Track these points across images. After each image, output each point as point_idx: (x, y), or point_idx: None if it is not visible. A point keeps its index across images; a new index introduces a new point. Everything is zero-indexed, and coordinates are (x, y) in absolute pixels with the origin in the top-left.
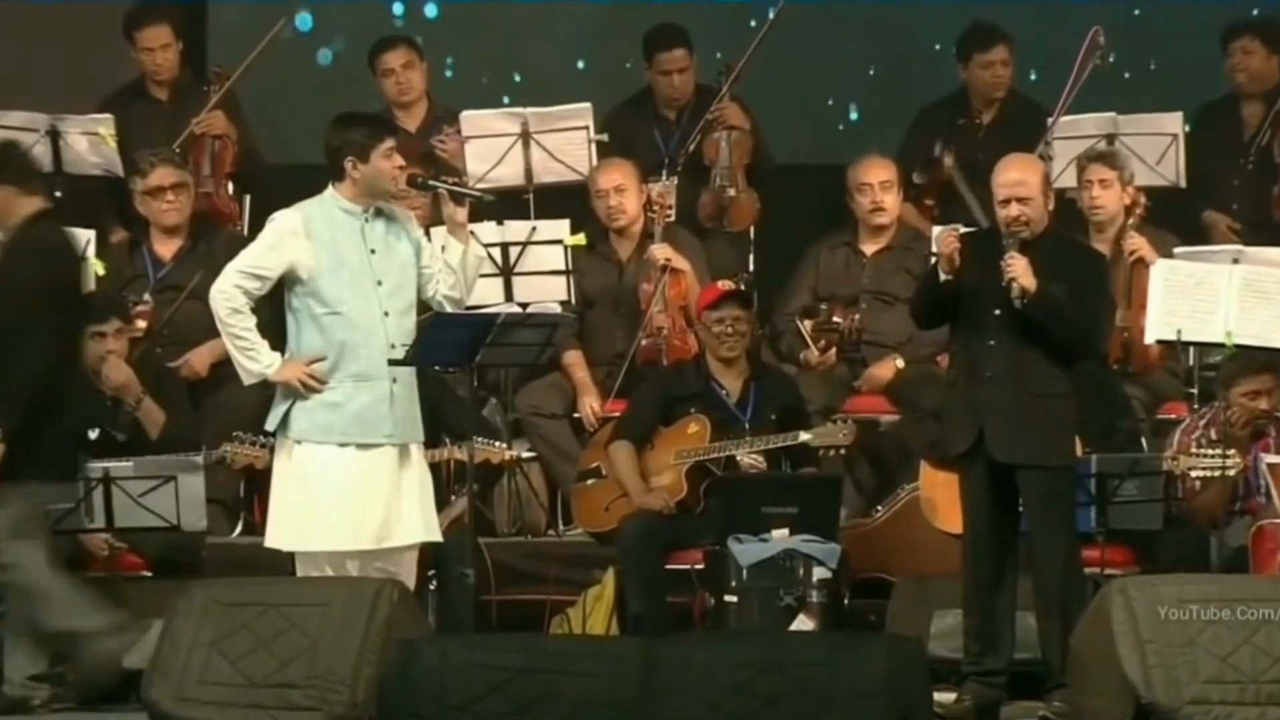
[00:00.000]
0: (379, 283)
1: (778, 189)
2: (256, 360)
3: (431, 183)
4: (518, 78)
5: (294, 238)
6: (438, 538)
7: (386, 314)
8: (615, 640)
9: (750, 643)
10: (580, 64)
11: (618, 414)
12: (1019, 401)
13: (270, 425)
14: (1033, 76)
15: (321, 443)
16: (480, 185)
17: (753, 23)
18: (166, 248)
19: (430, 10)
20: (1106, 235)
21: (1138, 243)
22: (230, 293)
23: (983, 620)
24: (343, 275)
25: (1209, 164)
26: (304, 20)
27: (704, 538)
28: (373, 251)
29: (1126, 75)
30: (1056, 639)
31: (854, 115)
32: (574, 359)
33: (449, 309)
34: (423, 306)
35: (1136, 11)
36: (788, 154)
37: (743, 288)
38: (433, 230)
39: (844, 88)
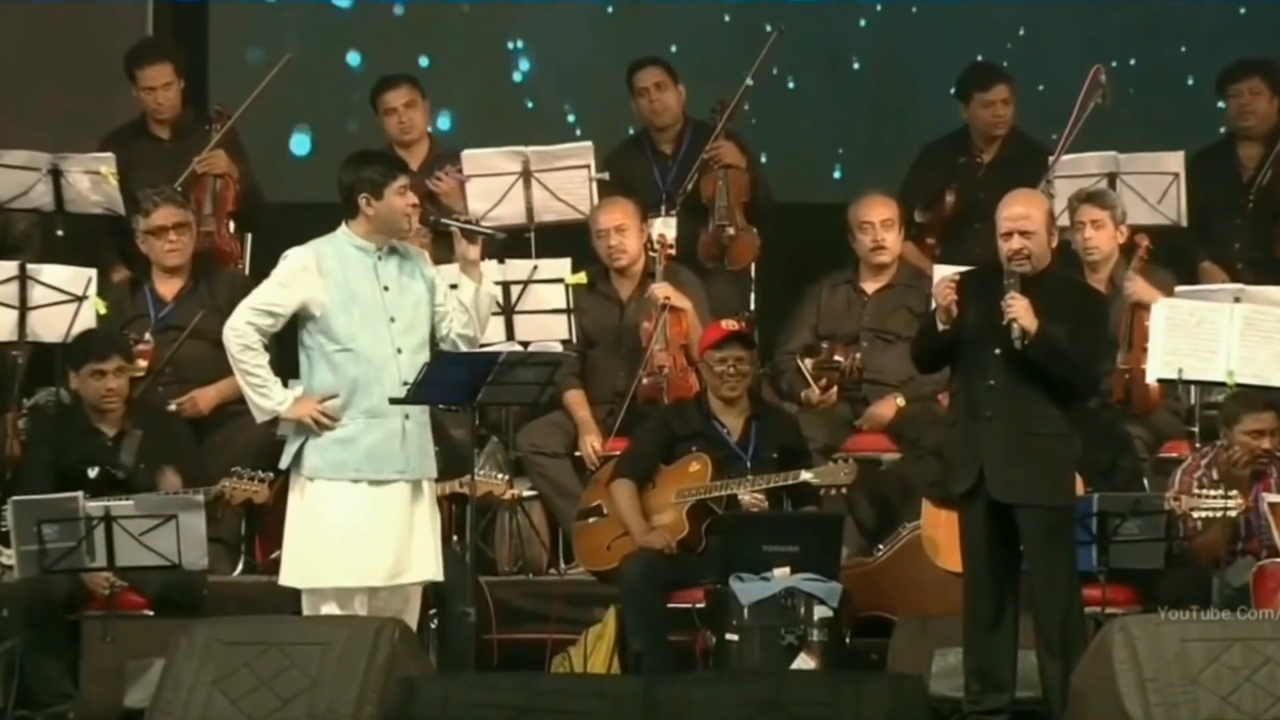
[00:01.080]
0: (392, 320)
1: (778, 227)
2: (269, 397)
3: (445, 221)
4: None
5: (306, 274)
6: (440, 577)
7: (399, 351)
8: (616, 679)
9: (752, 682)
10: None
11: (619, 453)
12: (1019, 441)
13: (284, 463)
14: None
15: (334, 479)
16: (485, 224)
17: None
18: (168, 287)
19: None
20: (1101, 275)
21: (1137, 287)
22: (243, 329)
23: (983, 659)
24: (355, 312)
25: (1207, 206)
26: (301, 143)
27: (705, 576)
28: (386, 289)
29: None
30: (1058, 678)
31: (837, 176)
32: (575, 398)
33: (463, 347)
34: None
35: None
36: (788, 192)
37: (743, 327)
38: (441, 268)
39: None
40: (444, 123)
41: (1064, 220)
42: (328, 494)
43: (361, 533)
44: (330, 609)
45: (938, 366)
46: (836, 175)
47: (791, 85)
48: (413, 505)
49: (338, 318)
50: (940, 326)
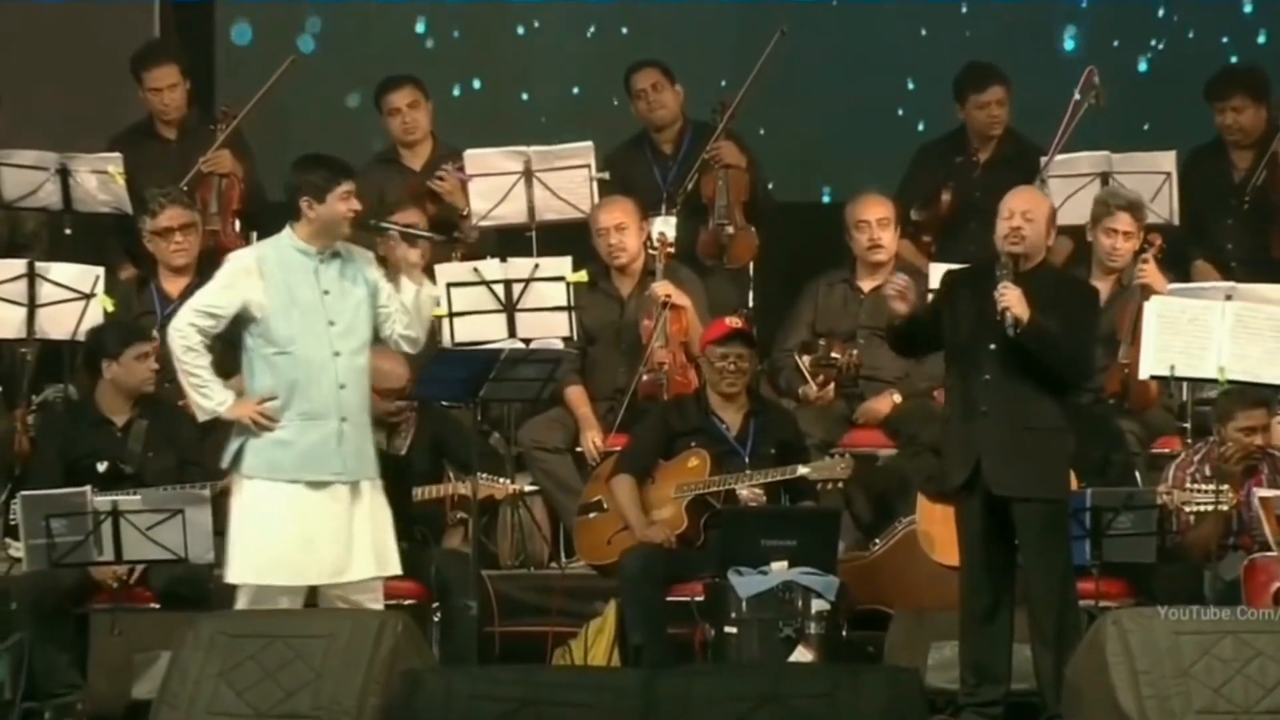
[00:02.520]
0: (331, 323)
1: (777, 226)
2: (209, 397)
3: (382, 225)
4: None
5: (247, 277)
6: (395, 571)
7: (337, 354)
8: (616, 672)
9: (750, 674)
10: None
11: (619, 448)
12: (1014, 436)
13: (224, 462)
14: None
15: (271, 479)
16: (483, 223)
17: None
18: (174, 285)
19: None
20: (1112, 275)
21: (1149, 270)
22: (185, 330)
23: (979, 652)
24: (294, 315)
25: (1199, 205)
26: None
27: (704, 570)
28: (326, 292)
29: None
30: (1051, 670)
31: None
32: (576, 395)
33: (405, 348)
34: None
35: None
36: (786, 192)
37: (746, 325)
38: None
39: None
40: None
41: (1065, 215)
42: (266, 493)
43: (299, 533)
44: (276, 604)
45: (914, 354)
46: (828, 190)
47: (792, 86)
48: (352, 505)
49: (277, 320)
50: (897, 319)
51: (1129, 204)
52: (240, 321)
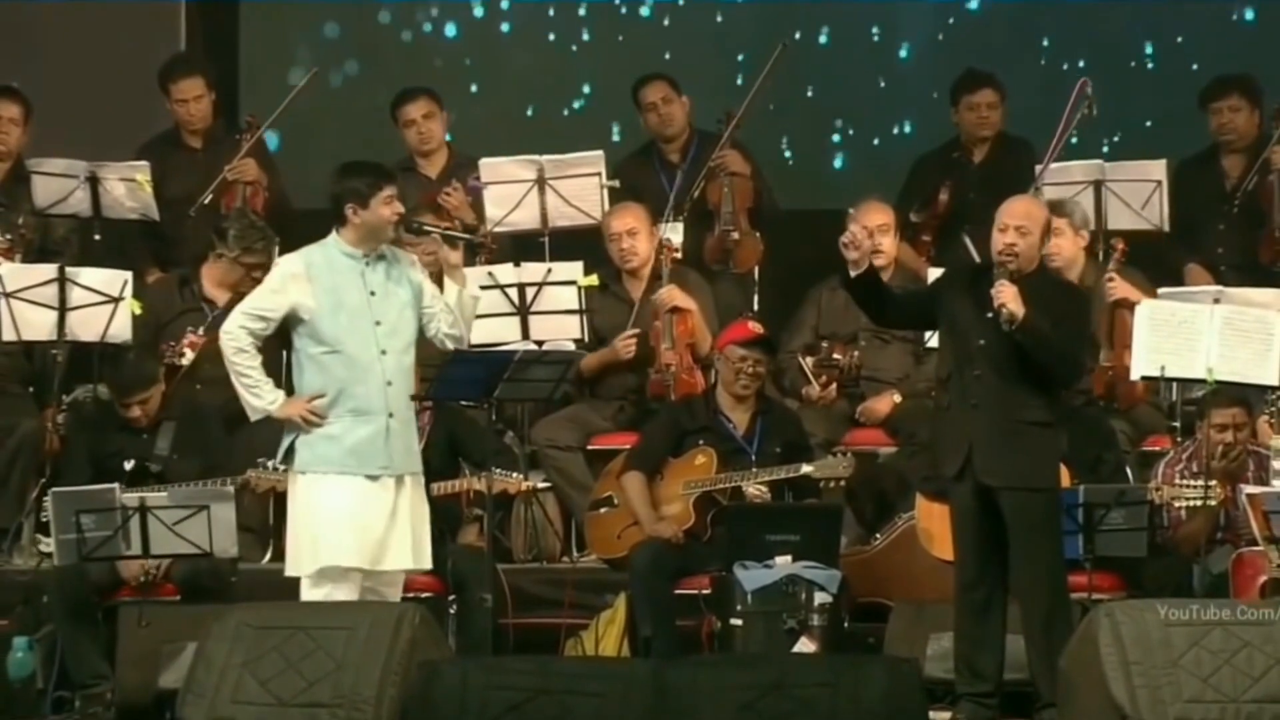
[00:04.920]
0: (377, 323)
1: (781, 233)
2: (261, 397)
3: (426, 227)
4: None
5: (296, 281)
6: (427, 565)
7: (384, 352)
8: (626, 662)
9: (756, 665)
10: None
11: (629, 446)
12: (1004, 427)
13: (277, 459)
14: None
15: (322, 472)
16: (498, 229)
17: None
18: (218, 295)
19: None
20: (1071, 278)
21: (1118, 285)
22: (236, 333)
23: (974, 643)
24: (341, 317)
25: (1191, 212)
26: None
27: (711, 564)
28: (372, 294)
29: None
30: (1044, 661)
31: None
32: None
33: (450, 346)
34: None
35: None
36: (791, 199)
37: (768, 333)
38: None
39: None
40: None
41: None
42: (317, 485)
43: (348, 518)
44: (321, 591)
45: (886, 321)
46: (836, 170)
47: (797, 95)
48: (396, 498)
49: (325, 322)
50: (852, 272)
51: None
52: (289, 323)
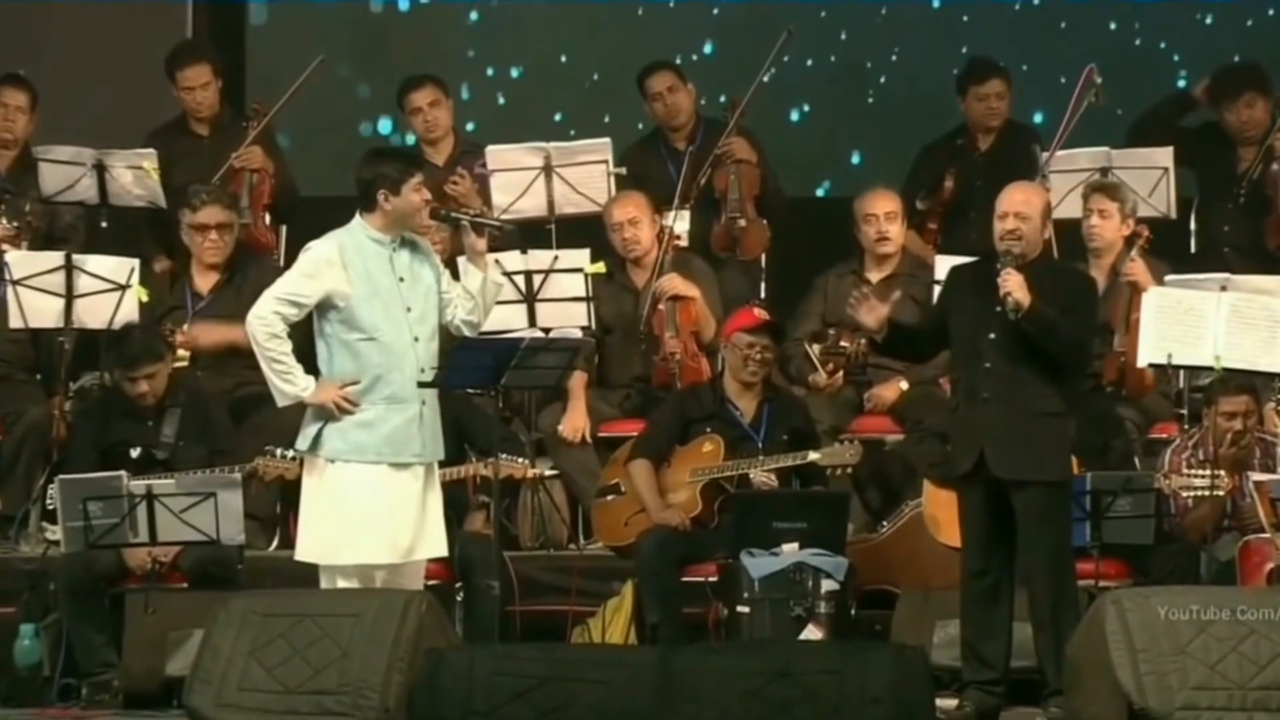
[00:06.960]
0: (408, 309)
1: (788, 220)
2: (293, 383)
3: (455, 215)
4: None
5: (330, 267)
6: (444, 552)
7: (416, 339)
8: (633, 649)
9: (762, 652)
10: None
11: (636, 434)
12: (1015, 420)
13: (301, 445)
14: (1038, 119)
15: (355, 461)
16: (504, 216)
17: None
18: (205, 281)
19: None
20: (1103, 263)
21: (1135, 268)
22: (269, 318)
23: (980, 632)
24: (376, 303)
25: (1203, 190)
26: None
27: (718, 551)
28: (401, 279)
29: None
30: (1051, 649)
31: (855, 159)
32: (579, 380)
33: (466, 332)
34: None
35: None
36: (796, 187)
37: (775, 319)
38: (459, 260)
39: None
40: None
41: (1065, 210)
42: (349, 475)
43: (382, 512)
44: (348, 584)
45: (924, 354)
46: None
47: (801, 84)
48: (425, 486)
49: (362, 308)
50: (876, 336)
51: (1100, 185)
52: (319, 309)
